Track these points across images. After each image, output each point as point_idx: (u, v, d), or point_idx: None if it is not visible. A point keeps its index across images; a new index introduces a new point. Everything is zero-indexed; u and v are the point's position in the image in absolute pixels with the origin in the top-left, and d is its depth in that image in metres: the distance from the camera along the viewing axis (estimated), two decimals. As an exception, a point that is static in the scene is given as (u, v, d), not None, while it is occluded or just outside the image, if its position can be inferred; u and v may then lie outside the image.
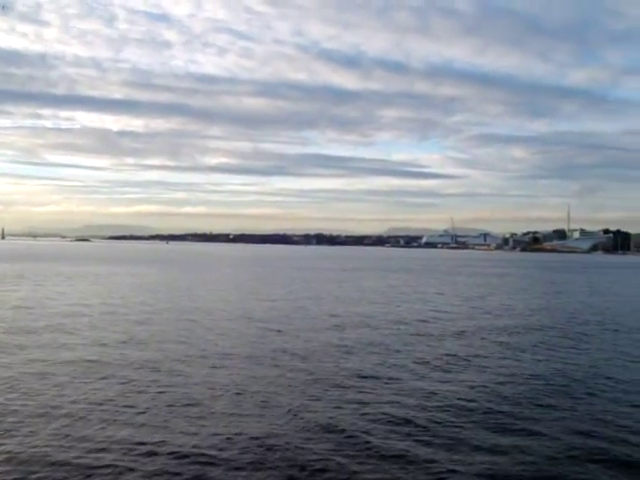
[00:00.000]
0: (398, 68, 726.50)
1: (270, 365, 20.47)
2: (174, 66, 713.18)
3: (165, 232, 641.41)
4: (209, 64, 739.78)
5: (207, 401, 15.70)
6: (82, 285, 52.14)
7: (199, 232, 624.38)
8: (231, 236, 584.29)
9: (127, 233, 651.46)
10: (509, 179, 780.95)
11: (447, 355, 23.16)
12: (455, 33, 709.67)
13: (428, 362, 21.75)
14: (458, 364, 21.56)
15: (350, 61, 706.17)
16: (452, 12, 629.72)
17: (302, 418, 14.46)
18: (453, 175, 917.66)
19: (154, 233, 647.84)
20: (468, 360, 22.29)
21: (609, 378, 19.63)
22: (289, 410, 15.05)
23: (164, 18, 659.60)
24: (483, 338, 27.72)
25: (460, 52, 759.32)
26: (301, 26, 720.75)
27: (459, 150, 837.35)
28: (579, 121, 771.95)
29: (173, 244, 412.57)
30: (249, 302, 40.97)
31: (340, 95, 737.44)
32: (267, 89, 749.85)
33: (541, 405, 16.17)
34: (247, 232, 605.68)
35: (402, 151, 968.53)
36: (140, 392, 16.34)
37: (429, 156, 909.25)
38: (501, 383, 18.60)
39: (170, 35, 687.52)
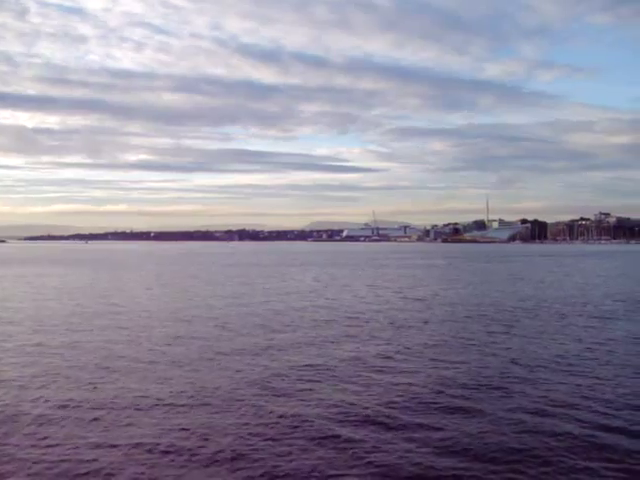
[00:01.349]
0: (317, 62, 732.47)
1: (202, 364, 20.70)
2: (90, 61, 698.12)
3: (85, 231, 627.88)
4: (126, 59, 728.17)
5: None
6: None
7: (120, 230, 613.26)
8: (152, 234, 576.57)
9: (45, 233, 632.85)
10: (429, 171, 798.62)
11: (381, 345, 23.90)
12: (374, 28, 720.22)
13: (364, 352, 22.42)
14: (391, 353, 22.31)
15: (269, 56, 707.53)
16: (371, 7, 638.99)
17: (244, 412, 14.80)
18: (374, 168, 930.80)
19: (74, 232, 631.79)
20: (403, 348, 23.11)
21: (535, 359, 20.82)
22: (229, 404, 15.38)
23: (78, 11, 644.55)
24: (417, 327, 28.69)
25: (379, 46, 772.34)
26: (219, 20, 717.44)
27: (379, 144, 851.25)
28: (495, 113, 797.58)
29: (93, 243, 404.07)
30: (171, 301, 40.86)
31: (260, 90, 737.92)
32: (186, 84, 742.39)
33: (471, 388, 16.99)
34: (169, 229, 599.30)
35: (323, 145, 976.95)
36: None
37: (350, 150, 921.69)
38: (435, 369, 19.42)
39: (85, 29, 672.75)
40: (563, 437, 12.71)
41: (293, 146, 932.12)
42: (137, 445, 12.24)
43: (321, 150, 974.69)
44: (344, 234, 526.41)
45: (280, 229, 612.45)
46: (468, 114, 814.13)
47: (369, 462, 11.42)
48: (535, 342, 24.28)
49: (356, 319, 30.91)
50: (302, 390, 16.47)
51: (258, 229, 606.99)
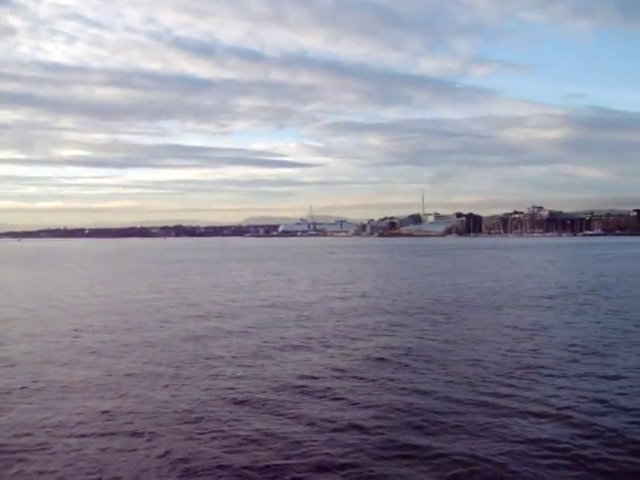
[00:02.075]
0: (253, 57, 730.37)
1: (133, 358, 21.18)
2: (20, 54, 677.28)
3: (18, 229, 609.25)
4: (57, 52, 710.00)
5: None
6: None
7: (53, 228, 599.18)
8: (87, 231, 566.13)
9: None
10: (365, 166, 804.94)
11: (309, 338, 24.80)
12: (310, 22, 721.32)
13: (301, 343, 23.23)
14: (325, 345, 23.19)
15: (204, 50, 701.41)
16: (306, 1, 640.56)
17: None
18: (310, 163, 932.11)
19: (6, 230, 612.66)
20: (345, 338, 24.02)
21: (470, 347, 22.08)
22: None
23: (7, 2, 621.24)
24: (357, 320, 29.70)
25: (315, 41, 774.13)
26: (153, 13, 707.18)
27: (316, 138, 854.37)
28: (431, 108, 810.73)
29: (26, 241, 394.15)
30: (110, 297, 40.89)
31: (195, 84, 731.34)
32: (120, 78, 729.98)
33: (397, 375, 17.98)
34: (104, 226, 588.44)
35: (259, 140, 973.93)
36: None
37: (286, 145, 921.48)
38: (377, 358, 20.37)
39: (14, 21, 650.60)
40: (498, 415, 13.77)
41: (229, 141, 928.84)
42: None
43: (257, 145, 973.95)
44: (280, 229, 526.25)
45: (217, 225, 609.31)
46: (404, 109, 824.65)
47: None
48: (472, 332, 25.55)
49: (298, 313, 31.74)
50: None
51: (194, 225, 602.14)
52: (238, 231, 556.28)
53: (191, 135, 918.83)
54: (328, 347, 22.17)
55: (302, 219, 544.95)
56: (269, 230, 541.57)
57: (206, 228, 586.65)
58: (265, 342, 23.16)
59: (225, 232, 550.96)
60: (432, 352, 21.01)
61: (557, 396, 15.24)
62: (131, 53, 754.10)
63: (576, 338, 23.44)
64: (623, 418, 13.55)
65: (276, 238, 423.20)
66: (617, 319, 28.75)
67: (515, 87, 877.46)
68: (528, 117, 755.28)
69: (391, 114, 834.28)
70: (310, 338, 24.00)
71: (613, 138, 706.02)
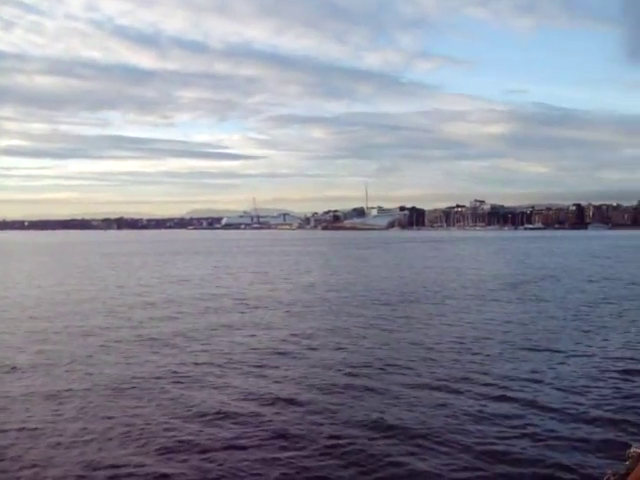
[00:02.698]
0: (197, 48, 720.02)
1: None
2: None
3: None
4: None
5: None
6: None
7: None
8: (26, 223, 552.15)
9: None
10: (309, 159, 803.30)
11: (270, 329, 25.55)
12: (254, 13, 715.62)
13: (253, 339, 23.93)
14: (278, 337, 23.88)
15: (147, 39, 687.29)
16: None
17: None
18: (254, 156, 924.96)
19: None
20: (292, 332, 24.73)
21: (415, 338, 23.07)
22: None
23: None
24: (305, 312, 30.52)
25: (259, 33, 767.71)
26: (94, 1, 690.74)
27: (259, 131, 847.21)
28: (375, 102, 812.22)
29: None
30: (54, 293, 40.71)
31: (137, 75, 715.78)
32: (60, 67, 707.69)
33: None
34: (44, 218, 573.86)
35: (202, 132, 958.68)
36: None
37: (230, 137, 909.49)
38: (321, 351, 21.10)
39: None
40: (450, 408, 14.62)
41: (172, 132, 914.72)
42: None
43: (200, 137, 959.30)
44: (223, 222, 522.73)
45: (159, 217, 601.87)
46: (348, 102, 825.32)
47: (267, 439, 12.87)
48: (418, 323, 26.64)
49: (245, 305, 32.40)
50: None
51: (137, 217, 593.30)
52: (181, 224, 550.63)
53: (134, 126, 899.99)
54: (274, 333, 22.93)
55: (245, 212, 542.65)
56: (212, 223, 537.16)
57: (149, 220, 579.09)
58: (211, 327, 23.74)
59: (168, 225, 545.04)
60: (379, 341, 22.01)
61: (496, 377, 16.23)
62: (72, 41, 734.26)
63: (517, 327, 24.78)
64: (557, 395, 14.63)
65: (220, 231, 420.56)
66: (557, 309, 30.39)
67: (458, 82, 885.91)
68: (471, 112, 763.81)
69: (335, 107, 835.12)
70: (256, 323, 24.58)
71: (554, 134, 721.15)
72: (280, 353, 20.18)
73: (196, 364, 18.36)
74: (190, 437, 12.47)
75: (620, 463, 5.45)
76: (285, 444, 12.05)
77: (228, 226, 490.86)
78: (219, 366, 18.14)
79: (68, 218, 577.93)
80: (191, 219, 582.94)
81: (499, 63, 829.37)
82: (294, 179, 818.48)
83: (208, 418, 13.58)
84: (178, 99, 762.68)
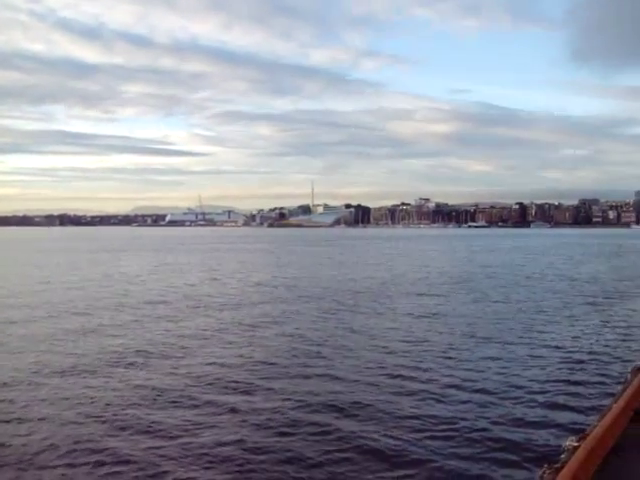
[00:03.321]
0: (142, 42, 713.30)
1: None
2: None
3: None
4: None
5: None
6: None
7: None
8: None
9: None
10: (255, 156, 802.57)
11: (206, 328, 25.79)
12: (200, 8, 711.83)
13: (198, 332, 24.23)
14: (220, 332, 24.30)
15: (90, 32, 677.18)
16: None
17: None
18: (200, 152, 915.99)
19: None
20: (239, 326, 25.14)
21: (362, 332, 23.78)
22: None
23: None
24: (253, 307, 30.84)
25: (206, 28, 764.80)
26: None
27: (205, 127, 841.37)
28: (321, 100, 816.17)
29: None
30: None
31: (81, 68, 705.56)
32: (0, 60, 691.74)
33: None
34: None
35: (147, 128, 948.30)
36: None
37: (175, 133, 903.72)
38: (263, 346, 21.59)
39: None
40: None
41: (116, 128, 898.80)
42: None
43: (145, 132, 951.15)
44: (167, 219, 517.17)
45: (103, 214, 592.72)
46: (294, 99, 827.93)
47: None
48: (369, 317, 27.38)
49: (191, 303, 32.40)
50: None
51: (80, 214, 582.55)
52: (126, 220, 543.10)
53: (77, 121, 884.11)
54: (226, 335, 23.21)
55: (189, 208, 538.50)
56: (157, 220, 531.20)
57: (92, 217, 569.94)
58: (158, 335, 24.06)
59: (112, 221, 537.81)
60: (328, 338, 22.41)
61: (442, 374, 16.91)
62: (12, 33, 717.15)
63: (463, 321, 25.61)
64: (500, 383, 15.31)
65: (165, 228, 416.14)
66: (501, 304, 31.54)
67: (404, 81, 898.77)
68: (416, 111, 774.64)
69: (282, 104, 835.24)
70: (206, 329, 24.87)
71: (497, 133, 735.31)
72: (229, 342, 20.73)
73: (147, 355, 18.62)
74: (145, 419, 12.83)
75: (557, 455, 6.01)
76: (241, 425, 12.44)
77: (172, 223, 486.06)
78: (173, 356, 18.39)
79: (8, 214, 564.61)
80: (136, 216, 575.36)
81: (444, 63, 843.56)
82: (240, 176, 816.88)
83: (164, 402, 13.98)
84: (122, 94, 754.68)
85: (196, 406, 13.88)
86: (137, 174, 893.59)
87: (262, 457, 11.04)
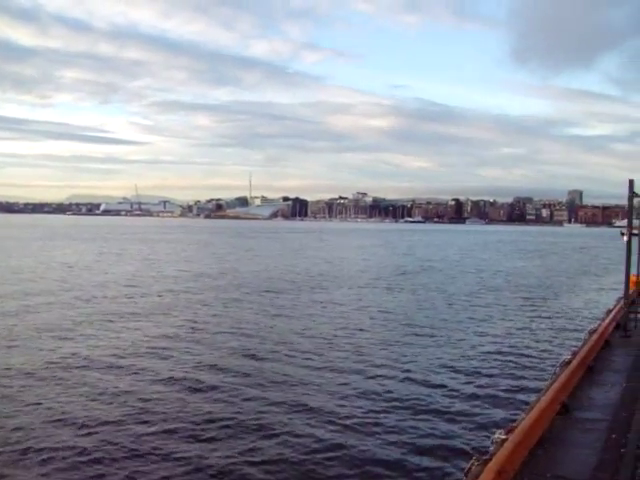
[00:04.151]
0: (80, 26, 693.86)
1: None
2: None
3: None
4: None
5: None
6: None
7: None
8: None
9: None
10: (193, 146, 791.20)
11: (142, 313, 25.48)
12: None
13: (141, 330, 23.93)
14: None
15: (26, 14, 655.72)
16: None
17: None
18: (137, 141, 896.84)
19: None
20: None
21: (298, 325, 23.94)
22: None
23: None
24: (193, 296, 30.59)
25: (146, 15, 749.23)
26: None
27: (143, 116, 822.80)
28: (261, 91, 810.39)
29: None
30: None
31: (16, 51, 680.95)
32: None
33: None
34: None
35: (83, 115, 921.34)
36: None
37: (112, 121, 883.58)
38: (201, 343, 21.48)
39: None
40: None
41: (51, 114, 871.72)
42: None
43: (82, 119, 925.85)
44: (102, 208, 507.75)
45: (37, 201, 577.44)
46: (234, 90, 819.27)
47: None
48: (310, 309, 27.53)
49: (133, 294, 32.16)
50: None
51: (12, 201, 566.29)
52: (60, 209, 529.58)
53: (10, 105, 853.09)
54: (165, 320, 23.09)
55: (125, 198, 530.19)
56: (92, 209, 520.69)
57: (25, 205, 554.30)
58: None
59: (46, 209, 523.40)
60: (266, 328, 22.63)
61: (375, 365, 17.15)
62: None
63: (402, 314, 26.04)
64: (438, 374, 15.62)
65: (100, 217, 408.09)
66: (437, 296, 32.43)
67: (344, 75, 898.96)
68: (355, 105, 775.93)
69: (221, 95, 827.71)
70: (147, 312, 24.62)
71: (435, 130, 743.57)
72: (170, 338, 20.49)
73: (91, 351, 18.24)
74: (101, 415, 12.68)
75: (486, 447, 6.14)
76: (195, 420, 12.27)
77: (107, 212, 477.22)
78: (121, 354, 18.08)
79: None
80: (70, 204, 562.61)
81: (385, 58, 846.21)
82: (178, 166, 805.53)
83: (118, 398, 13.74)
84: (59, 79, 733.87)
85: (142, 399, 13.78)
86: (73, 162, 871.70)
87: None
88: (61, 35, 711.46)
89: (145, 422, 12.42)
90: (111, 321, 23.76)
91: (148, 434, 11.77)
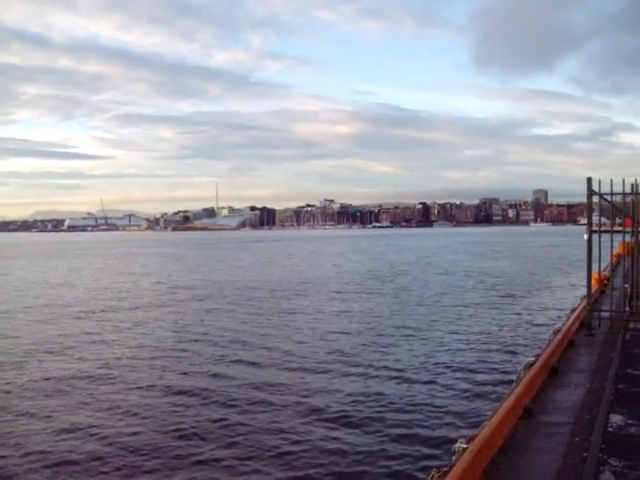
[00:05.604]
0: (39, 41, 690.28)
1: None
2: None
3: None
4: None
5: None
6: None
7: None
8: None
9: None
10: (158, 159, 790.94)
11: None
12: (100, 7, 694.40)
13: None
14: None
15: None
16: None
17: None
18: (101, 155, 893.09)
19: None
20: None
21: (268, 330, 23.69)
22: None
23: None
24: (169, 307, 30.29)
25: (105, 28, 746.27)
26: None
27: (106, 130, 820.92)
28: (224, 102, 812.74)
29: None
30: None
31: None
32: None
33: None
34: None
35: (46, 130, 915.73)
36: None
37: (75, 136, 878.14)
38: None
39: None
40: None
41: (12, 130, 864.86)
42: None
43: (44, 135, 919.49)
44: (66, 224, 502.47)
45: (1, 220, 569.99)
46: (197, 102, 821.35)
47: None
48: (285, 315, 27.37)
49: (112, 308, 31.71)
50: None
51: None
52: (25, 226, 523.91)
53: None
54: (147, 332, 22.77)
55: (89, 213, 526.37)
56: (58, 225, 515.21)
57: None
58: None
59: (11, 227, 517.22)
60: (247, 335, 22.70)
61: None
62: None
63: (375, 318, 26.04)
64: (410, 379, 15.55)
65: (66, 233, 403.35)
66: (411, 300, 32.83)
67: (308, 83, 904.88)
68: (320, 112, 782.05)
69: (184, 106, 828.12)
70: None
71: (400, 134, 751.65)
72: (154, 348, 20.46)
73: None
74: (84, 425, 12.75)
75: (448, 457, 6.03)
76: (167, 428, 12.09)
77: (73, 228, 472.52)
78: (101, 366, 17.73)
79: None
80: (35, 221, 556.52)
81: (347, 64, 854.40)
82: (143, 179, 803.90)
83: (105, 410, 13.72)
84: (20, 95, 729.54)
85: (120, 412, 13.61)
86: (36, 178, 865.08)
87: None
88: (20, 51, 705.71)
89: (131, 429, 12.51)
90: (88, 333, 23.92)
91: (133, 442, 11.86)
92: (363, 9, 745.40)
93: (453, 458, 5.50)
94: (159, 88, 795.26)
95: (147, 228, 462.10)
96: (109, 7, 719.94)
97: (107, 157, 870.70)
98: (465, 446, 5.53)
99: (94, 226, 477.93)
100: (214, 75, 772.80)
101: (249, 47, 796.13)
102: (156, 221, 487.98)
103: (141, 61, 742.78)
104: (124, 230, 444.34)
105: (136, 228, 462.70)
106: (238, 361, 18.81)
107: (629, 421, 6.94)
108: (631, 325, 12.69)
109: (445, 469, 5.12)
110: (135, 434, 12.43)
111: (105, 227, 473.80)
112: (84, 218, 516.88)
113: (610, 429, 6.67)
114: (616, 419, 6.99)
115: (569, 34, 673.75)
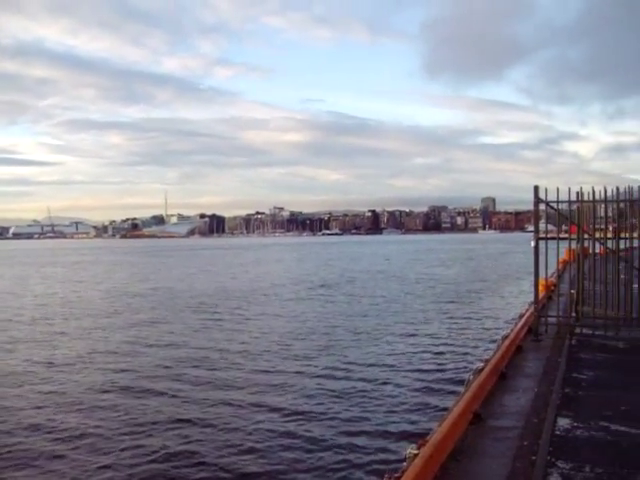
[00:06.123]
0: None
1: None
2: None
3: None
4: None
5: None
6: None
7: None
8: None
9: None
10: (106, 166, 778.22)
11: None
12: (46, 10, 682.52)
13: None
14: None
15: None
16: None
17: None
18: (47, 162, 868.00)
19: None
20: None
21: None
22: None
23: None
24: (117, 316, 29.79)
25: (52, 31, 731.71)
26: None
27: (53, 136, 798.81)
28: (173, 108, 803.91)
29: None
30: None
31: None
32: None
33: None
34: None
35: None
36: None
37: (21, 141, 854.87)
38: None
39: None
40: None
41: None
42: None
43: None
44: (10, 231, 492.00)
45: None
46: (146, 108, 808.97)
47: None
48: (234, 324, 27.09)
49: (63, 315, 31.06)
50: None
51: None
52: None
53: None
54: (102, 339, 22.31)
55: (35, 220, 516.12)
56: (3, 232, 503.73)
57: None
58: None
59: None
60: (200, 341, 22.35)
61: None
62: None
63: (326, 325, 25.99)
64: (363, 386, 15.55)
65: (12, 241, 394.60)
66: (359, 305, 33.08)
67: (258, 90, 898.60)
68: (269, 120, 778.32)
69: (133, 112, 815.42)
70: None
71: (349, 142, 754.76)
72: (110, 353, 19.51)
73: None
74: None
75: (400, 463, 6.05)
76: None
77: (18, 236, 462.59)
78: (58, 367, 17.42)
79: None
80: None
81: (297, 72, 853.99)
82: (91, 186, 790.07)
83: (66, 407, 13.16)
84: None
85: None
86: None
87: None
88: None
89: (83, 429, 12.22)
90: (37, 341, 23.59)
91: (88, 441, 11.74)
92: (313, 17, 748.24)
93: (404, 464, 5.53)
94: (107, 93, 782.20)
95: (95, 236, 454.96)
96: (56, 10, 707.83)
97: (54, 163, 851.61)
98: (416, 452, 5.57)
99: (40, 233, 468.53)
100: (163, 81, 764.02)
101: (198, 53, 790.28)
102: (104, 229, 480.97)
103: (89, 66, 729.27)
104: (72, 238, 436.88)
105: (84, 236, 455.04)
106: (193, 364, 18.82)
107: (575, 424, 7.11)
108: (577, 330, 12.99)
109: (397, 475, 5.15)
110: (89, 434, 12.36)
111: (52, 235, 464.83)
112: (30, 225, 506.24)
113: (558, 432, 6.83)
114: (563, 422, 7.15)
115: (518, 44, 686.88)
